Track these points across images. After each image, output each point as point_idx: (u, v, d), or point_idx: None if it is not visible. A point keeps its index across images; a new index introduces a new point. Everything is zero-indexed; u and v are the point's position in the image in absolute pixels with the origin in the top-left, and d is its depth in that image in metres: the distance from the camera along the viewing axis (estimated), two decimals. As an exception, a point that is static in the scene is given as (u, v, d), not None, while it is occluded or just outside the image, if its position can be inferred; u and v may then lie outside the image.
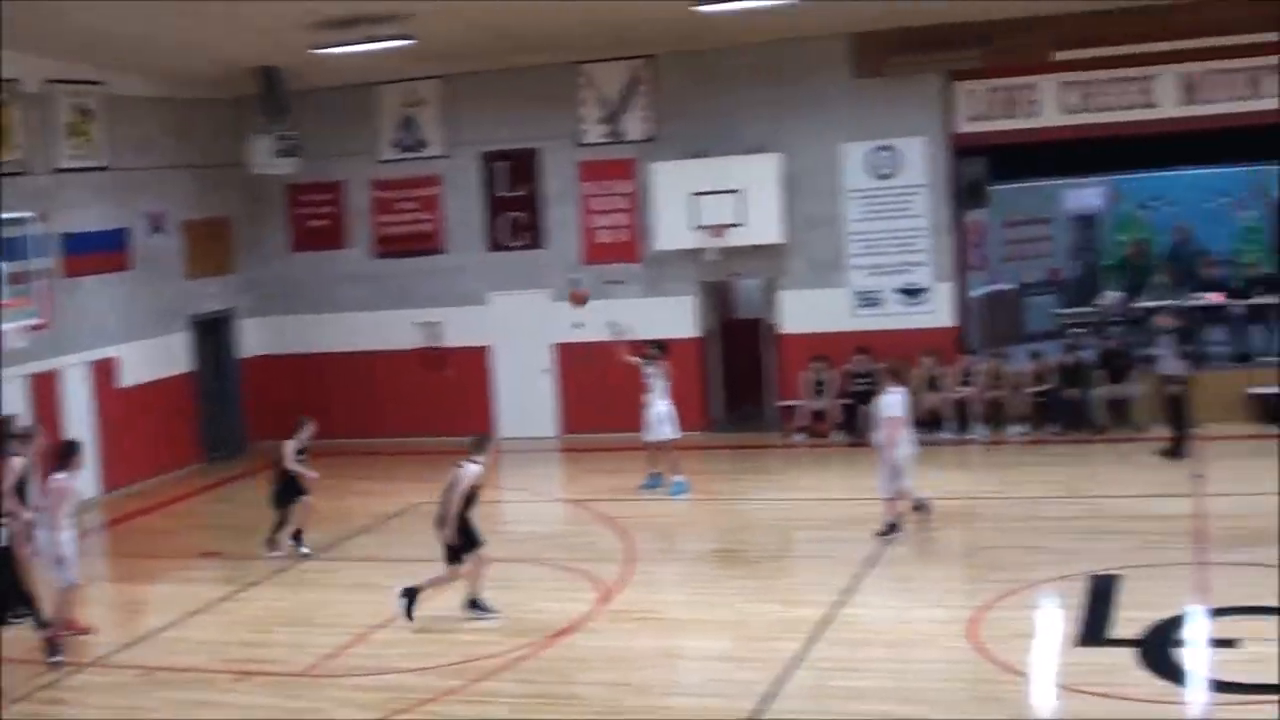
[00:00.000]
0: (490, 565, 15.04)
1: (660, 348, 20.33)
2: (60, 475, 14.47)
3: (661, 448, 19.93)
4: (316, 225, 25.92)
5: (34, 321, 18.61)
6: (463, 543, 14.65)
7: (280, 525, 18.09)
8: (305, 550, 17.85)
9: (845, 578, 15.25)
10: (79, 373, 22.10)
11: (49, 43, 20.54)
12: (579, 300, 20.92)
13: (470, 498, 14.68)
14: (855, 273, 23.14)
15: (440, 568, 14.83)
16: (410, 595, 14.68)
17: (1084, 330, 23.80)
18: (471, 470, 14.67)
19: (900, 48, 22.36)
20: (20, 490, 15.21)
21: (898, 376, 17.70)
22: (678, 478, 19.89)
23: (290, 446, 18.02)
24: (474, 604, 14.85)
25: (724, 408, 24.92)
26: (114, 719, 12.81)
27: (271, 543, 18.03)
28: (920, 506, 17.18)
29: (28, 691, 13.56)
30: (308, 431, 18.28)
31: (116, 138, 22.96)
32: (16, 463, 15.31)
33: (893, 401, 16.97)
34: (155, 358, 23.71)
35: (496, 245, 24.89)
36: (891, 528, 16.75)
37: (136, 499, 22.13)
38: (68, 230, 21.91)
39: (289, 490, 18.05)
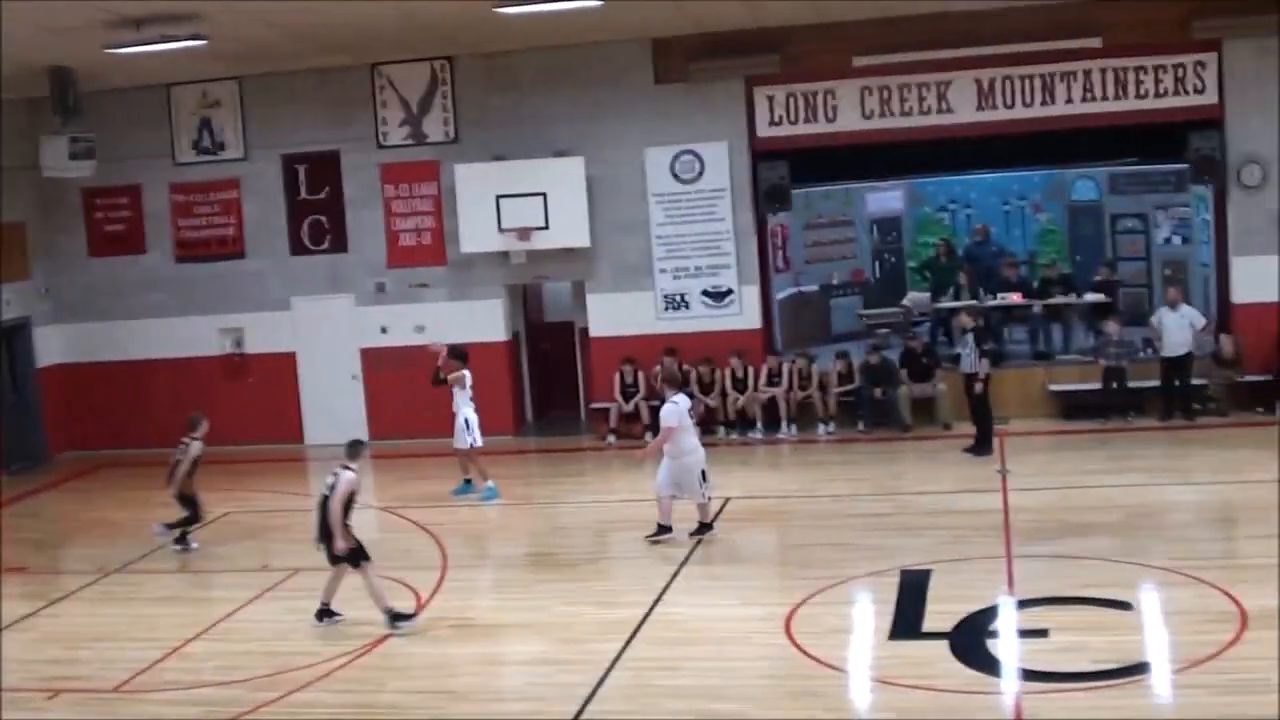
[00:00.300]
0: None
1: (461, 355, 20.21)
2: None
3: (470, 454, 19.85)
4: (114, 230, 25.31)
5: None
6: (356, 548, 14.43)
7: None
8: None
9: (661, 578, 15.37)
10: None
11: None
12: (434, 356, 20.42)
13: (349, 504, 14.49)
14: (661, 276, 23.30)
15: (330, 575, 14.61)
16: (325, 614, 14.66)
17: (888, 330, 24.28)
18: (347, 476, 14.46)
19: (701, 53, 22.56)
20: None
21: (675, 383, 17.52)
22: (488, 483, 19.84)
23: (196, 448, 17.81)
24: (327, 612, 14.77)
25: (535, 411, 24.92)
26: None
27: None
28: (704, 528, 16.88)
29: None
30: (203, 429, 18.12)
31: (-99, 140, 22.22)
32: None
33: (669, 410, 16.64)
34: (-54, 367, 22.98)
35: (299, 249, 24.57)
36: (662, 530, 16.70)
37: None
38: None
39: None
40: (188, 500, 18.06)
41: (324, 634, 14.40)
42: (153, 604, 16.16)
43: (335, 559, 14.46)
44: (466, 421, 19.71)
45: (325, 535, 14.42)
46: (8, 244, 24.52)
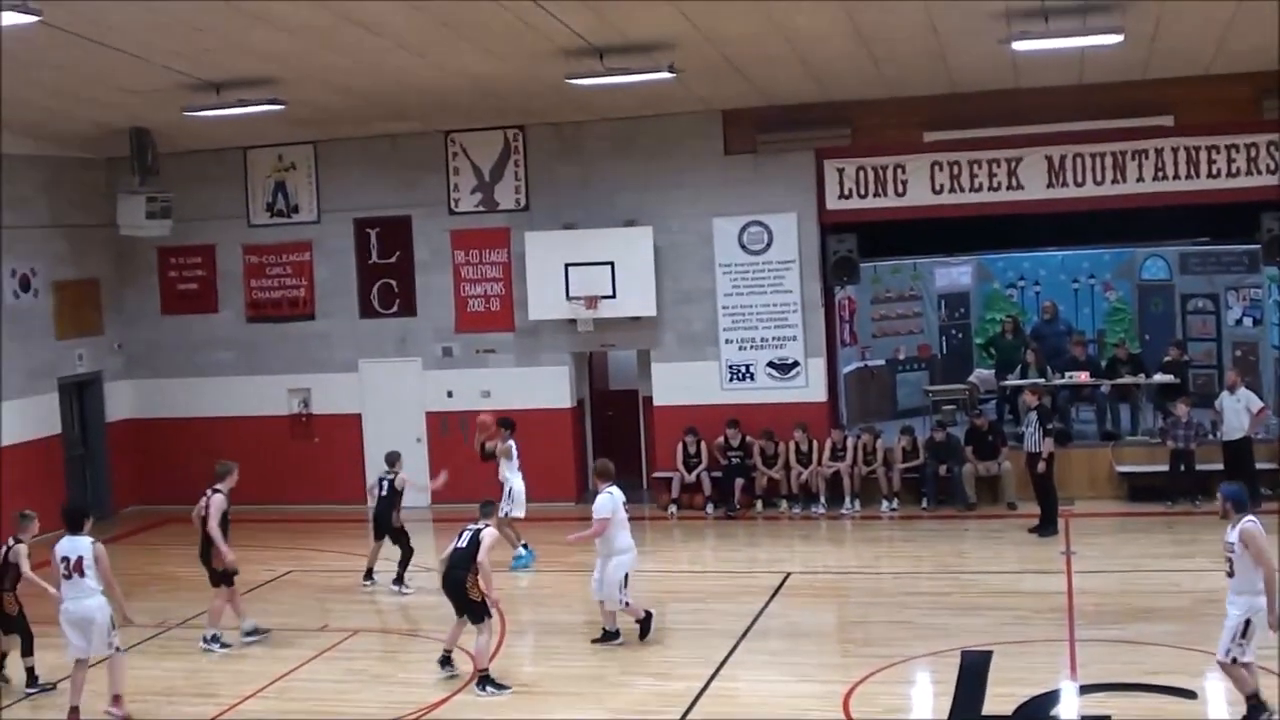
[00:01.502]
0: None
1: (508, 425, 20.23)
2: None
3: (507, 521, 19.70)
4: (187, 288, 25.64)
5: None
6: (481, 603, 14.58)
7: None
8: None
9: (720, 650, 15.31)
10: (-59, 433, 21.65)
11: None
12: (484, 428, 20.48)
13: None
14: (727, 346, 23.29)
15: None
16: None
17: (954, 407, 24.13)
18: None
19: (771, 125, 22.66)
20: None
21: (607, 475, 16.15)
22: (519, 550, 19.84)
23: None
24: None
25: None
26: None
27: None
28: (643, 622, 16.01)
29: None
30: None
31: (-15, 195, 22.64)
32: None
33: (602, 502, 15.83)
34: (23, 419, 23.25)
35: (368, 312, 24.77)
36: (609, 635, 15.96)
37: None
38: (-67, 288, 21.56)
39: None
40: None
41: (380, 696, 14.42)
42: (212, 660, 16.24)
43: (462, 610, 14.61)
44: (511, 490, 19.67)
45: (455, 587, 14.58)
46: (83, 299, 24.87)
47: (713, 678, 14.45)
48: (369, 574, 19.12)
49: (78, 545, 13.84)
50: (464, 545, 14.58)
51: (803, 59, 19.42)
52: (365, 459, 24.66)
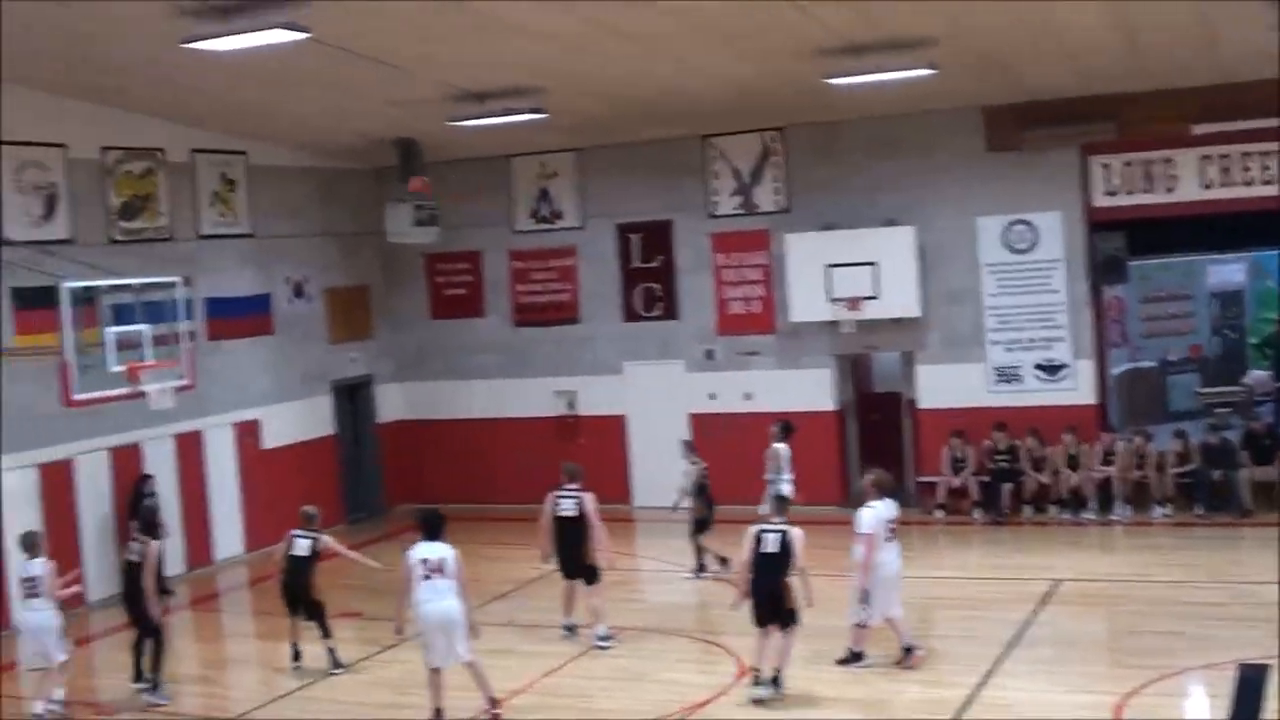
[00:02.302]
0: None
1: (786, 429, 20.21)
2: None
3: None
4: (454, 293, 26.28)
5: (179, 383, 18.96)
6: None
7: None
8: None
9: (987, 659, 15.06)
10: (223, 434, 22.52)
11: (194, 113, 21.11)
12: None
13: None
14: (993, 348, 22.91)
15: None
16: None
17: (1229, 410, 23.35)
18: (797, 534, 14.48)
19: (1034, 121, 22.17)
20: None
21: (880, 488, 15.58)
22: None
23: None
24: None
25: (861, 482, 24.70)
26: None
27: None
28: (909, 651, 15.20)
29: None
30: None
31: (259, 205, 23.52)
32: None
33: (865, 517, 15.17)
34: (298, 420, 24.17)
35: (631, 315, 25.03)
36: (854, 656, 15.33)
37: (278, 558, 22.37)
38: (212, 295, 22.47)
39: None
40: None
41: (644, 695, 14.54)
42: (482, 654, 16.46)
43: (773, 618, 14.45)
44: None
45: (772, 595, 14.38)
46: (354, 305, 25.65)
47: (981, 685, 14.24)
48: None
49: (438, 549, 13.98)
50: (775, 550, 14.28)
51: (1066, 52, 19.00)
52: (630, 460, 24.95)
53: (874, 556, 14.93)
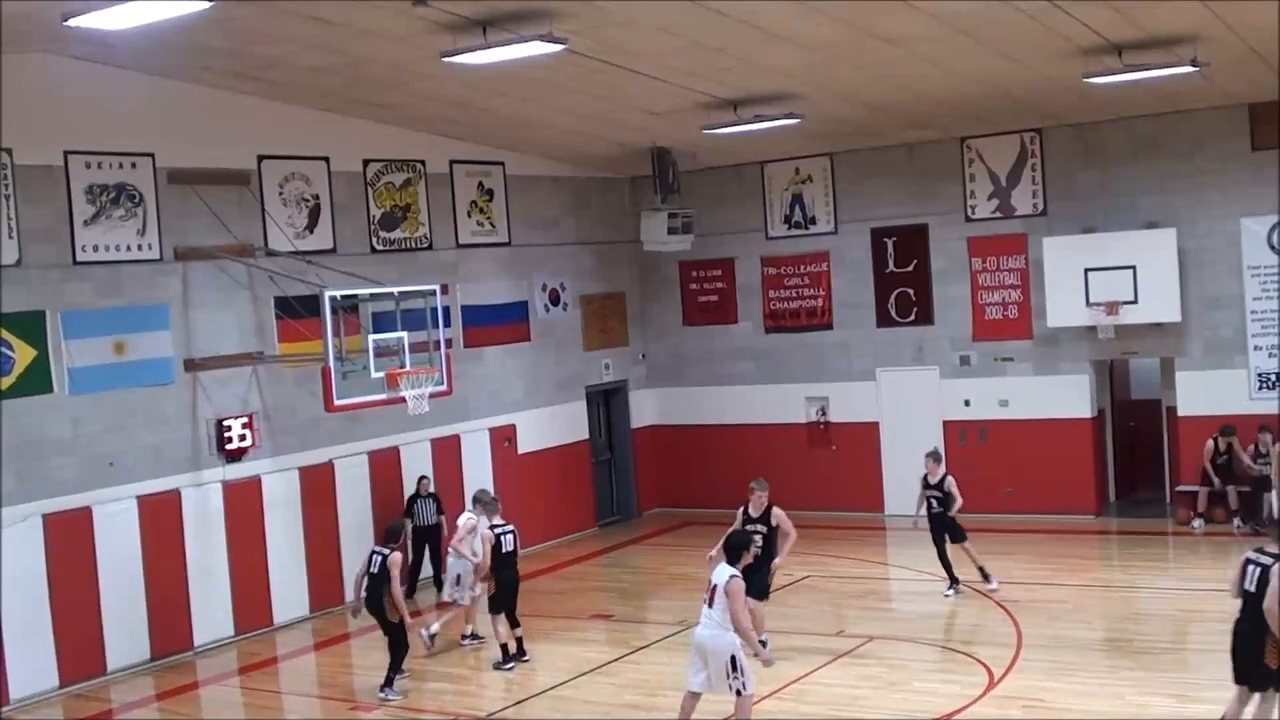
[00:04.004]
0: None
1: None
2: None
3: None
4: (707, 300, 26.46)
5: (437, 389, 19.50)
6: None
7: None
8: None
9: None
10: (479, 439, 23.03)
11: (453, 126, 21.65)
12: None
13: None
14: (1256, 354, 22.18)
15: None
16: None
17: None
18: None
19: (1302, 118, 21.44)
20: None
21: None
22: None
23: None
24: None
25: (1117, 491, 24.21)
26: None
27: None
28: None
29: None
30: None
31: (516, 214, 24.00)
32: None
33: None
34: (553, 426, 24.62)
35: (885, 320, 24.88)
36: None
37: (533, 560, 22.86)
38: (469, 302, 23.00)
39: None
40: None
41: (893, 704, 14.49)
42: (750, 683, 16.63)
43: None
44: None
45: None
46: (609, 312, 26.02)
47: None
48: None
49: (721, 573, 12.93)
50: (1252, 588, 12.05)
51: (1336, 47, 18.34)
52: (883, 466, 24.81)
53: None
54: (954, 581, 19.20)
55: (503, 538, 16.88)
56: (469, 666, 17.56)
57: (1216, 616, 16.73)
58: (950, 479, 19.21)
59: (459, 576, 17.92)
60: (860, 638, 17.05)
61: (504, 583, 16.92)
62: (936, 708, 14.21)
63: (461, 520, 17.96)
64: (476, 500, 17.71)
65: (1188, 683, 14.74)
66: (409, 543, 20.64)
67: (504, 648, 16.91)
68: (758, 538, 15.33)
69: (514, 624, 17.09)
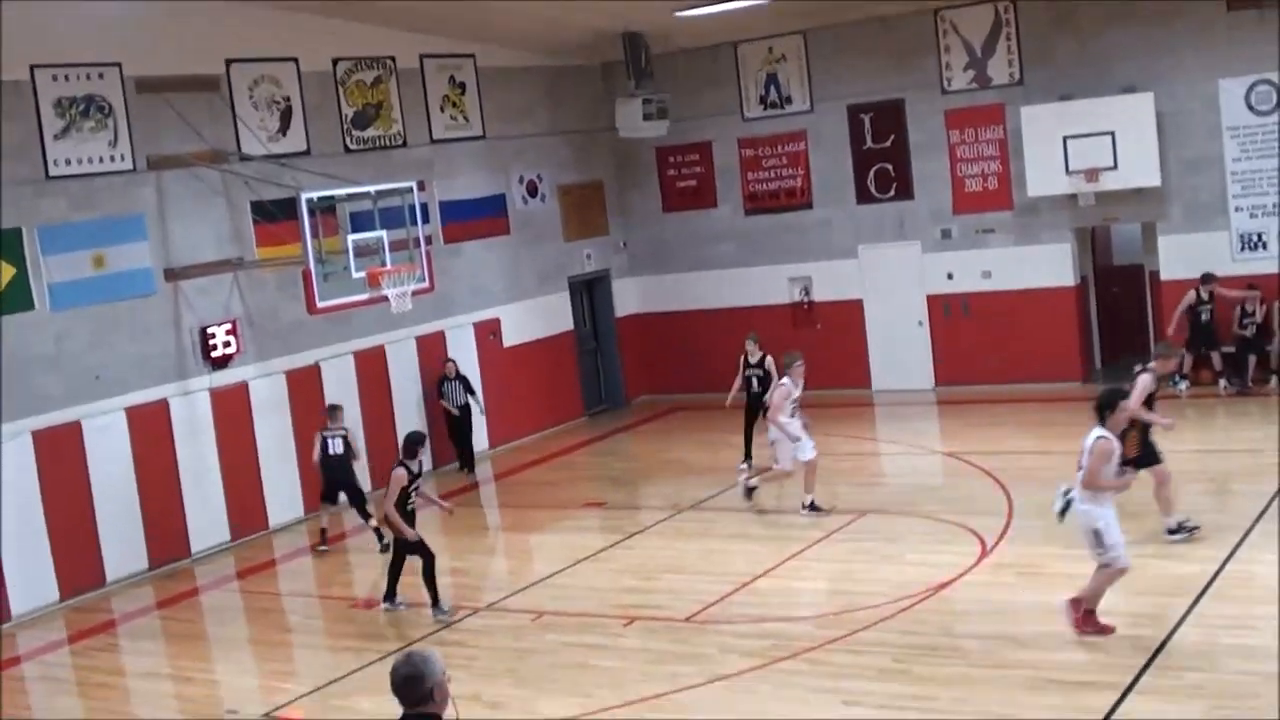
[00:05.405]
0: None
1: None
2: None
3: None
4: (686, 185, 26.35)
5: (419, 286, 19.44)
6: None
7: None
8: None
9: (1235, 533, 14.74)
10: (464, 334, 23.03)
11: (419, 20, 21.42)
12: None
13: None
14: (1237, 215, 22.16)
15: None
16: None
17: None
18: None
19: (1278, -25, 21.27)
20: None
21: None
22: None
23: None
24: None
25: (1103, 357, 24.29)
26: (511, 659, 13.39)
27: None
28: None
29: (430, 631, 14.37)
30: None
31: (490, 107, 23.82)
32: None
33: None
34: (537, 318, 24.60)
35: (865, 198, 24.81)
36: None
37: (522, 453, 23.00)
38: (447, 198, 22.91)
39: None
40: None
41: (888, 576, 14.60)
42: (723, 540, 16.81)
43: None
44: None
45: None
46: (587, 202, 25.93)
47: (1227, 560, 13.95)
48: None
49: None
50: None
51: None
52: (868, 343, 24.87)
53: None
54: (748, 458, 19.94)
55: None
56: (462, 556, 17.69)
57: (1201, 478, 17.00)
58: (769, 358, 19.72)
59: None
60: (853, 513, 17.15)
61: None
62: (931, 578, 14.32)
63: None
64: None
65: (1179, 543, 14.83)
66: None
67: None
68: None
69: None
